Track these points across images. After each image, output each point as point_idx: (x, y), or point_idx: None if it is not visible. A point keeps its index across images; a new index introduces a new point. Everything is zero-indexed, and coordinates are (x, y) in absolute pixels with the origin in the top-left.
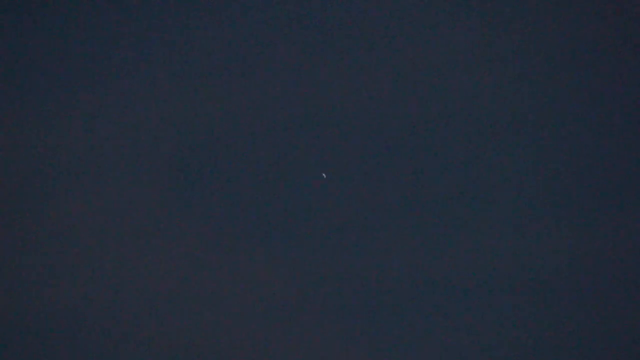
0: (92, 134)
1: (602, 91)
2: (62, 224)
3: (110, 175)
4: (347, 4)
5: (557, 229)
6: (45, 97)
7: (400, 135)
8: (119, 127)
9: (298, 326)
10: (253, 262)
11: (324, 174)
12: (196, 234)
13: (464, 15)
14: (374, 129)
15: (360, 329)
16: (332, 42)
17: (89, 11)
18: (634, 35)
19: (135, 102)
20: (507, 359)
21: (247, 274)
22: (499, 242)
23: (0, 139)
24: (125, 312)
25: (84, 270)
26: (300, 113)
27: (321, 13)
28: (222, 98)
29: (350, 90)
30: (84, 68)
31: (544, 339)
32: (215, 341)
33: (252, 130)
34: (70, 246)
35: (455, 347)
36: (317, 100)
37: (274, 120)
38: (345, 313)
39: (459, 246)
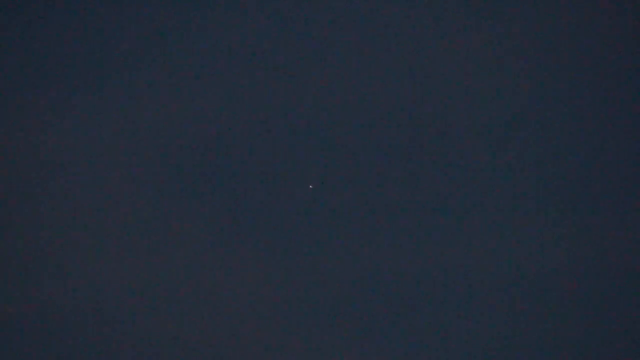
0: (90, 133)
1: (602, 89)
2: (60, 221)
3: (109, 173)
4: (345, 1)
5: (554, 227)
6: (42, 93)
7: (398, 134)
8: (117, 125)
9: (296, 324)
10: (252, 260)
11: (310, 186)
12: (194, 231)
13: (462, 10)
14: (372, 128)
15: (358, 327)
16: (329, 37)
17: (85, 9)
18: (628, 31)
19: (134, 100)
20: (506, 356)
21: (245, 272)
22: (496, 240)
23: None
24: (124, 309)
25: (81, 269)
26: (299, 111)
27: (319, 10)
28: (223, 95)
29: (348, 89)
30: (81, 66)
31: (542, 336)
32: (214, 337)
33: (250, 128)
34: (68, 244)
35: (454, 346)
36: (316, 98)
37: (273, 117)
38: (344, 310)
39: (456, 245)
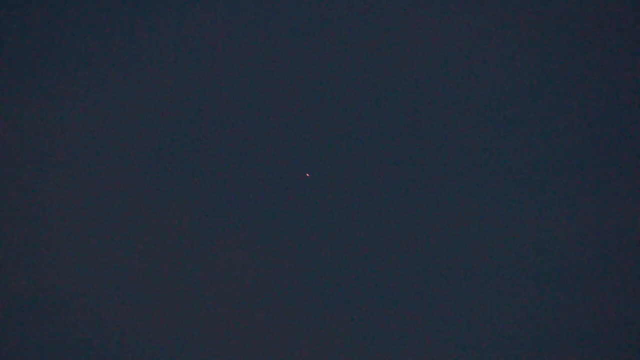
0: (86, 120)
1: (598, 70)
2: (56, 210)
3: (105, 160)
4: None
5: (551, 211)
6: (38, 86)
7: (396, 121)
8: (112, 113)
9: (295, 312)
10: (248, 246)
11: (307, 174)
12: (190, 217)
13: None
14: (370, 115)
15: (356, 315)
16: (325, 20)
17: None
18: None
19: (129, 89)
20: (504, 341)
21: (241, 257)
22: (493, 225)
23: None
24: (120, 294)
25: (79, 254)
26: (295, 96)
27: (315, 5)
28: (216, 84)
29: (345, 76)
30: (75, 58)
31: (541, 321)
32: (209, 322)
33: (245, 116)
34: (63, 233)
35: (453, 335)
36: (313, 84)
37: (268, 104)
38: (343, 297)
39: (455, 231)
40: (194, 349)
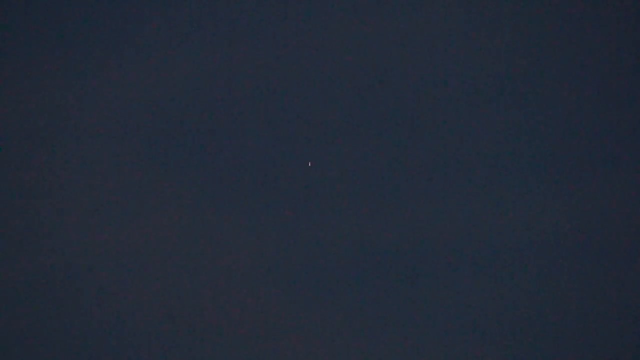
0: (79, 113)
1: (599, 54)
2: (48, 201)
3: (103, 135)
4: None
5: (549, 202)
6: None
7: (392, 110)
8: (105, 105)
9: (291, 294)
10: (246, 240)
11: (309, 164)
12: (189, 193)
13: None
14: (364, 104)
15: (354, 297)
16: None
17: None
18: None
19: (123, 80)
20: (503, 324)
21: (240, 233)
22: (491, 217)
23: None
24: (118, 270)
25: (77, 229)
26: (293, 73)
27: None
28: (212, 72)
29: (339, 66)
30: (71, 48)
31: (540, 316)
32: (208, 299)
33: (248, 91)
34: (55, 224)
35: (450, 327)
36: (308, 72)
37: (264, 93)
38: (340, 280)
39: (452, 223)
40: (190, 339)
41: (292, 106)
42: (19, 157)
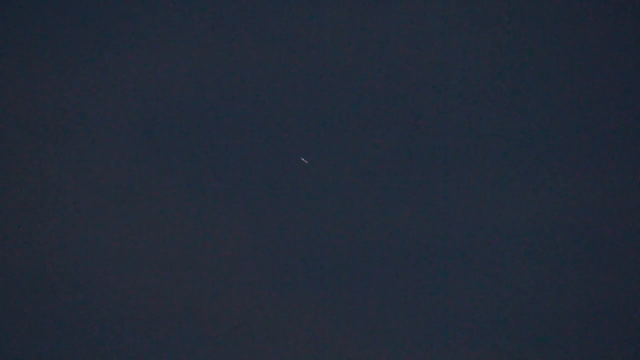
0: (79, 109)
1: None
2: (48, 199)
3: (103, 130)
4: None
5: (548, 199)
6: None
7: (393, 109)
8: (105, 102)
9: (293, 300)
10: (247, 237)
11: (305, 160)
12: (188, 188)
13: None
14: (365, 101)
15: (354, 297)
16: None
17: None
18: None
19: (124, 76)
20: (503, 322)
21: (238, 228)
22: (492, 213)
23: None
24: (117, 265)
25: (75, 227)
26: (292, 67)
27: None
28: (212, 69)
29: (340, 64)
30: (71, 42)
31: (540, 312)
32: (206, 293)
33: (247, 86)
34: (55, 222)
35: (451, 325)
36: (308, 70)
37: (264, 88)
38: (340, 278)
39: (453, 220)
40: (189, 336)
41: (292, 105)
42: (19, 156)
